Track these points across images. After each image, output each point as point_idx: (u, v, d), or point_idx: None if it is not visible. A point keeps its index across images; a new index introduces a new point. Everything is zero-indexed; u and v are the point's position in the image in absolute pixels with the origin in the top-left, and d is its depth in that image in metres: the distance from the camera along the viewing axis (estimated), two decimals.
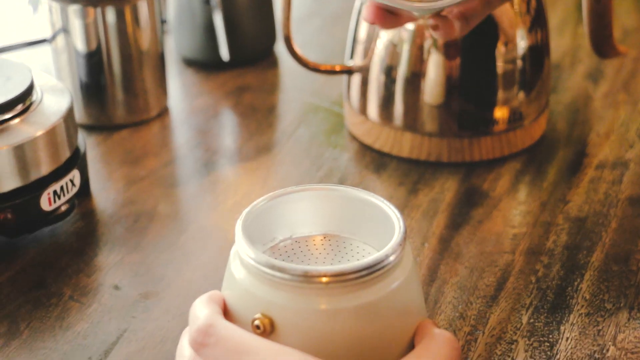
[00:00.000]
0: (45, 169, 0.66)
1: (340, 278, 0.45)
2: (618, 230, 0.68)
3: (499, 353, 0.57)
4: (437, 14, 0.60)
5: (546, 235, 0.68)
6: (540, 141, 0.80)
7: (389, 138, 0.78)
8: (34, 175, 0.65)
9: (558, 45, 0.96)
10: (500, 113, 0.77)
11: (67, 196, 0.67)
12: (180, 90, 0.89)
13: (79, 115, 0.82)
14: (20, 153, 0.64)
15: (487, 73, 0.71)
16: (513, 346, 0.57)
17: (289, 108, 0.87)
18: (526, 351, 0.57)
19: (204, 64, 0.92)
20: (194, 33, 0.90)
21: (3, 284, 0.63)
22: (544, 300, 0.61)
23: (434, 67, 0.74)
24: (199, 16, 0.90)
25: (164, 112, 0.85)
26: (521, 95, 0.77)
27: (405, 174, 0.75)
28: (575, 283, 0.63)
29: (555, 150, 0.79)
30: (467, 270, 0.64)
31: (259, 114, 0.85)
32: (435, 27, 0.60)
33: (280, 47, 0.95)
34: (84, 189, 0.71)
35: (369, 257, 0.46)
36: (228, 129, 0.85)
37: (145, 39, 0.81)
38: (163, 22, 0.85)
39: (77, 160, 0.69)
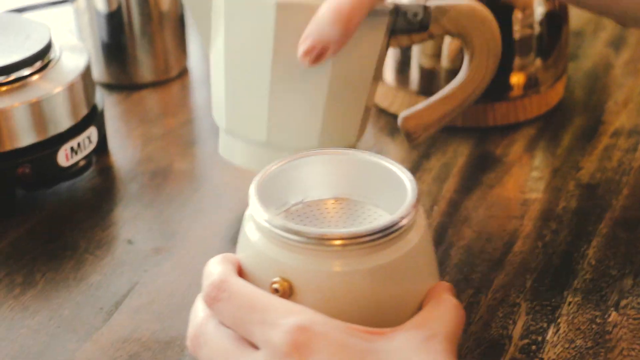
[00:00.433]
0: (62, 125, 0.67)
1: (355, 241, 0.45)
2: (629, 197, 0.69)
3: (500, 315, 0.58)
4: None
5: (556, 202, 0.68)
6: (557, 108, 0.80)
7: (404, 102, 0.78)
8: (52, 132, 0.67)
9: (580, 12, 0.95)
10: (516, 79, 0.77)
11: (84, 152, 0.69)
12: (199, 52, 0.90)
13: (100, 75, 0.83)
14: (38, 109, 0.66)
15: (503, 38, 0.70)
16: (515, 309, 0.58)
17: None
18: (528, 314, 0.58)
19: None
20: None
21: (21, 236, 0.65)
22: (549, 265, 0.62)
23: None
24: None
25: (183, 73, 0.86)
26: (538, 61, 0.77)
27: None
28: (582, 249, 0.63)
29: (571, 117, 0.79)
30: (474, 234, 0.65)
31: None
32: None
33: None
34: (102, 146, 0.73)
35: (383, 219, 0.47)
36: None
37: (165, 0, 0.82)
38: None
39: (94, 117, 0.70)
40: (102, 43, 0.82)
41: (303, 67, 0.58)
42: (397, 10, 0.60)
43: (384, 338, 0.44)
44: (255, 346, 0.44)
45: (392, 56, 0.78)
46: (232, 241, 0.64)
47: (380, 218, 0.51)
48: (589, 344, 0.55)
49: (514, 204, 0.68)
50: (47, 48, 0.68)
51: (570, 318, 0.57)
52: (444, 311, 0.46)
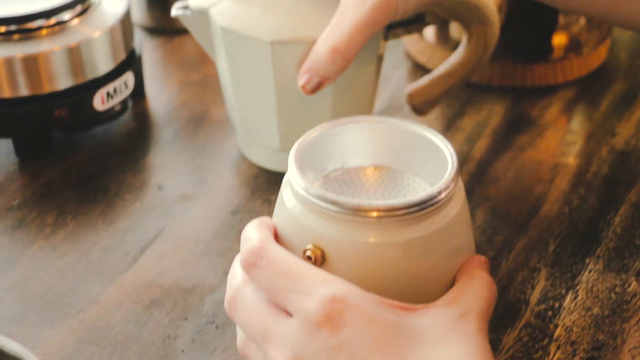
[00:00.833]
0: (100, 70, 0.68)
1: (391, 213, 0.46)
2: None
3: (519, 279, 0.58)
4: None
5: (587, 167, 0.68)
6: (598, 71, 0.79)
7: (442, 58, 0.78)
8: (89, 76, 0.68)
9: None
10: (558, 39, 0.77)
11: (120, 97, 0.70)
12: None
13: (141, 18, 0.84)
14: (77, 53, 0.67)
15: None
16: (535, 274, 0.58)
17: None
18: (547, 279, 0.58)
19: None
20: None
21: (55, 177, 0.66)
22: (574, 231, 0.62)
23: None
24: None
25: None
26: (582, 20, 0.76)
27: (455, 95, 0.76)
28: (609, 216, 0.63)
29: (611, 81, 0.78)
30: (501, 197, 0.65)
31: None
32: None
33: None
34: (139, 91, 0.74)
35: (420, 193, 0.47)
36: None
37: None
38: None
39: (132, 62, 0.71)
40: None
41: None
42: None
43: (416, 314, 0.45)
44: (289, 314, 0.45)
45: None
46: (259, 193, 0.65)
47: (418, 188, 0.51)
48: (606, 313, 0.56)
49: (544, 168, 0.68)
50: None
51: (589, 286, 0.58)
52: (477, 288, 0.46)
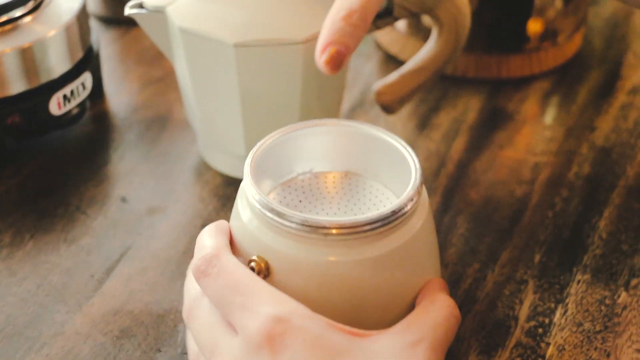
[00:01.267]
0: (55, 71, 0.64)
1: (345, 230, 0.43)
2: None
3: (507, 293, 0.56)
4: None
5: (568, 166, 0.66)
6: (574, 60, 0.77)
7: (415, 49, 0.74)
8: (44, 78, 0.63)
9: None
10: (534, 26, 0.74)
11: (78, 100, 0.66)
12: None
13: (96, 7, 0.79)
14: (30, 55, 0.62)
15: None
16: (522, 286, 0.56)
17: None
18: (535, 293, 0.56)
19: None
20: None
21: (10, 190, 0.62)
22: (559, 237, 0.60)
23: None
24: None
25: None
26: (558, 3, 0.73)
27: (429, 90, 0.73)
28: (593, 220, 0.61)
29: (587, 70, 0.76)
30: (482, 200, 0.62)
31: None
32: None
33: None
34: (97, 90, 0.70)
35: (383, 207, 0.44)
36: None
37: None
38: None
39: (89, 61, 0.67)
40: None
41: (272, 91, 0.58)
42: None
43: (367, 340, 0.42)
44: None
45: None
46: (230, 204, 0.61)
47: (382, 197, 0.49)
48: (597, 328, 0.53)
49: (524, 168, 0.65)
50: None
51: (578, 298, 0.55)
52: (437, 314, 0.44)
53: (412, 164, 0.47)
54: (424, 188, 0.47)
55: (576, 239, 0.59)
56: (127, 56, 0.76)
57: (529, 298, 0.55)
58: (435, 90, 0.73)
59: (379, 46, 0.77)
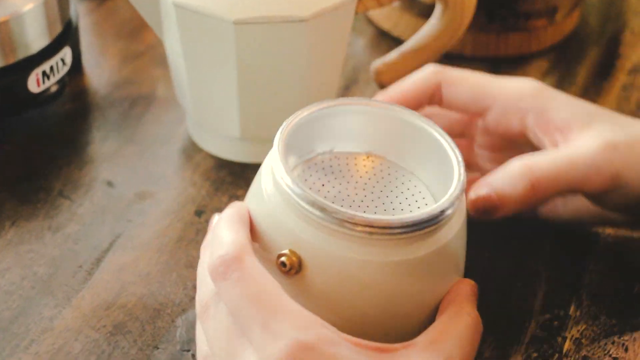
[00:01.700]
0: (33, 47, 0.60)
1: (386, 231, 0.40)
2: None
3: (519, 284, 0.53)
4: None
5: None
6: (571, 37, 0.74)
7: (409, 25, 0.72)
8: (21, 54, 0.59)
9: None
10: (532, 4, 0.71)
11: (57, 76, 0.61)
12: None
13: None
14: (7, 29, 0.58)
15: None
16: (535, 277, 0.53)
17: None
18: (548, 283, 0.53)
19: None
20: None
21: None
22: (568, 225, 0.57)
23: None
24: None
25: None
26: None
27: None
28: None
29: (585, 48, 0.73)
30: None
31: None
32: None
33: None
34: (76, 66, 0.65)
35: (420, 212, 0.40)
36: None
37: None
38: None
39: (69, 35, 0.63)
40: None
41: (272, 72, 0.55)
42: None
43: (395, 356, 0.39)
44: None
45: None
46: (224, 188, 0.58)
47: (414, 190, 0.45)
48: (614, 321, 0.51)
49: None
50: None
51: (593, 289, 0.53)
52: (463, 329, 0.41)
53: (454, 161, 0.43)
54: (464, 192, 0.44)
55: (589, 231, 0.57)
56: (104, 29, 0.72)
57: (542, 289, 0.53)
58: None
59: (370, 21, 0.74)
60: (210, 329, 0.41)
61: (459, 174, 0.42)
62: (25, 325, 0.49)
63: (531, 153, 0.50)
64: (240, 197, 0.57)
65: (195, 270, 0.51)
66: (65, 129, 0.62)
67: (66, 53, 0.62)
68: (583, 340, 0.50)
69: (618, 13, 0.78)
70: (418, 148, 0.46)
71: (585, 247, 0.56)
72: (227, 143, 0.59)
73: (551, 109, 0.51)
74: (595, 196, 0.50)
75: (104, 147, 0.61)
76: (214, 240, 0.41)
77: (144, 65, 0.68)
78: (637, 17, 0.77)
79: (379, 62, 0.61)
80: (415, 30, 0.71)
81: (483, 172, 0.54)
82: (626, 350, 0.50)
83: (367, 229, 0.40)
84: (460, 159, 0.43)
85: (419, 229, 0.40)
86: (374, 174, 0.46)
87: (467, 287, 0.43)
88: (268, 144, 0.57)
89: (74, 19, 0.64)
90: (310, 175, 0.45)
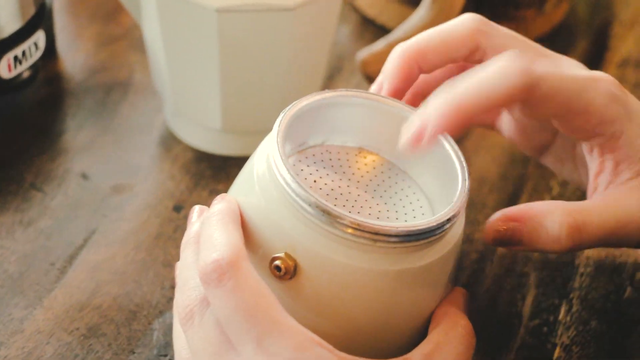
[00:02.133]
0: (4, 30, 0.57)
1: (392, 239, 0.38)
2: None
3: (508, 288, 0.52)
4: None
5: None
6: (559, 28, 0.72)
7: (395, 13, 0.69)
8: None
9: None
10: None
11: (30, 61, 0.59)
12: None
13: None
14: None
15: None
16: (523, 280, 0.52)
17: None
18: (537, 287, 0.52)
19: None
20: None
21: None
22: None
23: None
24: None
25: None
26: None
27: None
28: None
29: (574, 40, 0.72)
30: (476, 184, 0.58)
31: None
32: None
33: None
34: (50, 50, 0.63)
35: (427, 220, 0.39)
36: None
37: None
38: None
39: (42, 18, 0.60)
40: None
41: (255, 62, 0.52)
42: None
43: None
44: None
45: None
46: (204, 182, 0.56)
47: (408, 190, 0.43)
48: (605, 327, 0.50)
49: (515, 148, 0.61)
50: None
51: (583, 293, 0.52)
52: (459, 342, 0.40)
53: (457, 167, 0.41)
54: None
55: None
56: (80, 11, 0.69)
57: (532, 293, 0.51)
58: None
59: (355, 9, 0.72)
60: (195, 339, 0.38)
61: (464, 180, 0.41)
62: None
63: (575, 204, 0.44)
64: (221, 191, 0.54)
65: (172, 269, 0.49)
66: (38, 117, 0.59)
67: (39, 37, 0.59)
68: (573, 347, 0.49)
69: (607, 4, 0.76)
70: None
71: None
72: (207, 135, 0.57)
73: (623, 135, 0.44)
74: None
75: (79, 136, 0.58)
76: (205, 240, 0.38)
77: (122, 50, 0.65)
78: (626, 7, 0.76)
79: (365, 53, 0.59)
80: (400, 18, 0.69)
81: None
82: (617, 358, 0.48)
83: (372, 237, 0.38)
84: (464, 163, 0.42)
85: (426, 238, 0.39)
86: (367, 171, 0.44)
87: (460, 296, 0.42)
88: (250, 136, 0.55)
89: (47, 0, 0.61)
90: (302, 170, 0.42)
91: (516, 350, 0.48)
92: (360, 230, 0.38)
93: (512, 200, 0.57)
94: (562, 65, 0.45)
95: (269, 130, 0.42)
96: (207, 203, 0.53)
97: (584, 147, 0.45)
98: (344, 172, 0.43)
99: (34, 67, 0.60)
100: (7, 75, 0.58)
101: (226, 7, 0.50)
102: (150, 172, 0.56)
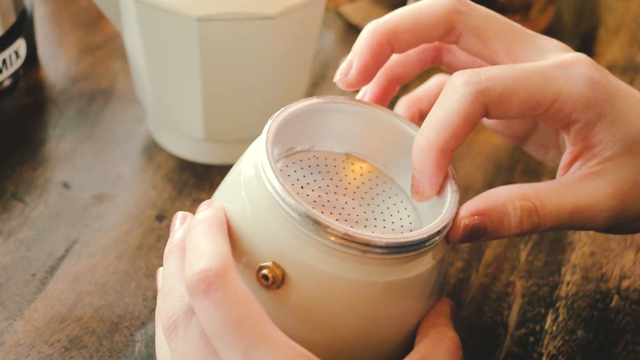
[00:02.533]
0: None
1: (383, 251, 0.38)
2: None
3: (494, 297, 0.51)
4: None
5: None
6: (545, 34, 0.71)
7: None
8: None
9: None
10: None
11: (10, 70, 0.58)
12: None
13: None
14: None
15: None
16: (509, 289, 0.52)
17: None
18: (523, 296, 0.51)
19: None
20: None
21: None
22: (544, 234, 0.55)
23: None
24: None
25: None
26: None
27: None
28: None
29: None
30: (461, 190, 0.57)
31: None
32: None
33: None
34: (31, 58, 0.62)
35: (418, 232, 0.38)
36: None
37: None
38: None
39: (23, 26, 0.59)
40: None
41: (237, 71, 0.52)
42: None
43: None
44: None
45: None
46: (187, 191, 0.55)
47: (395, 198, 0.43)
48: (591, 336, 0.50)
49: (502, 154, 0.61)
50: None
51: (569, 302, 0.51)
52: (445, 353, 0.39)
53: (448, 181, 0.41)
54: None
55: (563, 235, 0.55)
56: (61, 19, 0.68)
57: (518, 302, 0.51)
58: None
59: (339, 15, 0.71)
60: (179, 349, 0.38)
61: (454, 191, 0.41)
62: None
63: (532, 186, 0.43)
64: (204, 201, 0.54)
65: (154, 280, 0.49)
66: (19, 125, 0.59)
67: (20, 45, 0.59)
68: (560, 357, 0.48)
69: (592, 9, 0.76)
70: (403, 155, 0.43)
71: (562, 257, 0.54)
72: (190, 143, 0.56)
73: (600, 122, 0.42)
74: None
75: (60, 145, 0.57)
76: (191, 249, 0.37)
77: (104, 58, 0.65)
78: (611, 13, 0.76)
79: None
80: None
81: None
82: None
83: (362, 248, 0.37)
84: (452, 172, 0.41)
85: (415, 250, 0.38)
86: (355, 178, 0.43)
87: (447, 307, 0.41)
88: (233, 144, 0.54)
89: (28, 8, 0.61)
90: (289, 175, 0.42)
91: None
92: (350, 240, 0.37)
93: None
94: (527, 57, 0.43)
95: (252, 138, 0.42)
96: (190, 212, 0.53)
97: (564, 134, 0.44)
98: (331, 179, 0.42)
99: (15, 76, 0.59)
100: None
101: (207, 16, 0.49)
102: (132, 181, 0.55)
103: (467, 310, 0.50)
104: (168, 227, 0.52)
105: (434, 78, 0.50)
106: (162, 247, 0.51)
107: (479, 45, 0.43)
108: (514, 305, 0.51)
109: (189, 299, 0.38)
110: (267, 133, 0.39)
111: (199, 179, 0.56)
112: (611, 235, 0.55)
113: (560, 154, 0.47)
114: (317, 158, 0.43)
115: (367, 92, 0.46)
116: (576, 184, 0.42)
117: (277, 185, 0.38)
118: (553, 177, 0.52)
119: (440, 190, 0.41)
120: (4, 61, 0.57)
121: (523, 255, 0.54)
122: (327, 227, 0.37)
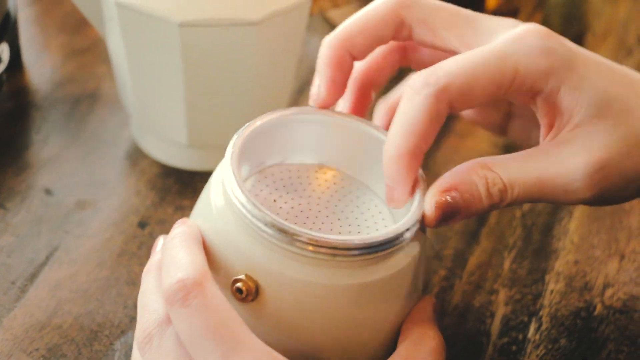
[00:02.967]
0: None
1: (349, 252, 0.37)
2: None
3: (477, 305, 0.51)
4: None
5: None
6: None
7: None
8: None
9: None
10: (494, 1, 0.69)
11: None
12: None
13: None
14: None
15: None
16: (493, 297, 0.51)
17: None
18: (507, 304, 0.51)
19: None
20: None
21: None
22: (528, 241, 0.55)
23: None
24: None
25: None
26: None
27: None
28: (563, 222, 0.57)
29: None
30: None
31: None
32: None
33: None
34: (15, 62, 0.62)
35: (385, 231, 0.38)
36: None
37: None
38: None
39: (6, 30, 0.59)
40: None
41: (220, 77, 0.52)
42: None
43: None
44: None
45: None
46: (170, 198, 0.55)
47: (370, 203, 0.43)
48: (574, 345, 0.49)
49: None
50: None
51: (552, 310, 0.51)
52: (427, 354, 0.39)
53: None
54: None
55: (547, 243, 0.55)
56: (46, 22, 0.68)
57: (501, 310, 0.51)
58: None
59: (327, 20, 0.71)
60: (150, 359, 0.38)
61: (422, 189, 0.40)
62: None
63: (494, 158, 0.41)
64: (187, 207, 0.54)
65: (137, 287, 0.49)
66: (1, 130, 0.58)
67: (3, 49, 0.58)
68: None
69: (580, 15, 0.76)
70: (374, 161, 0.43)
71: (545, 264, 0.54)
72: (174, 149, 0.56)
73: (562, 88, 0.41)
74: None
75: (43, 151, 0.57)
76: (168, 261, 0.38)
77: (89, 62, 0.64)
78: (598, 19, 0.76)
79: None
80: None
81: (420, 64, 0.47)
82: None
83: (331, 251, 0.37)
84: (420, 171, 0.41)
85: (385, 249, 0.38)
86: (327, 187, 0.43)
87: (429, 306, 0.41)
88: (217, 150, 0.54)
89: (12, 11, 0.61)
90: (261, 190, 0.42)
91: None
92: (318, 245, 0.37)
93: (482, 217, 0.56)
94: (479, 40, 0.42)
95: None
96: (173, 220, 0.53)
97: (534, 109, 0.43)
98: (304, 190, 0.42)
99: None
100: None
101: (189, 22, 0.49)
102: (115, 187, 0.55)
103: (450, 319, 0.50)
104: (150, 234, 0.52)
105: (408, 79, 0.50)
106: (144, 254, 0.51)
107: (430, 36, 0.43)
108: (497, 314, 0.51)
109: (165, 310, 0.38)
110: (232, 149, 0.40)
111: (182, 185, 0.56)
112: (595, 243, 0.55)
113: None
114: (289, 171, 0.43)
115: (342, 104, 0.46)
116: (541, 153, 0.41)
117: (242, 198, 0.38)
118: None
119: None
120: None
121: (507, 264, 0.54)
122: (294, 234, 0.37)
